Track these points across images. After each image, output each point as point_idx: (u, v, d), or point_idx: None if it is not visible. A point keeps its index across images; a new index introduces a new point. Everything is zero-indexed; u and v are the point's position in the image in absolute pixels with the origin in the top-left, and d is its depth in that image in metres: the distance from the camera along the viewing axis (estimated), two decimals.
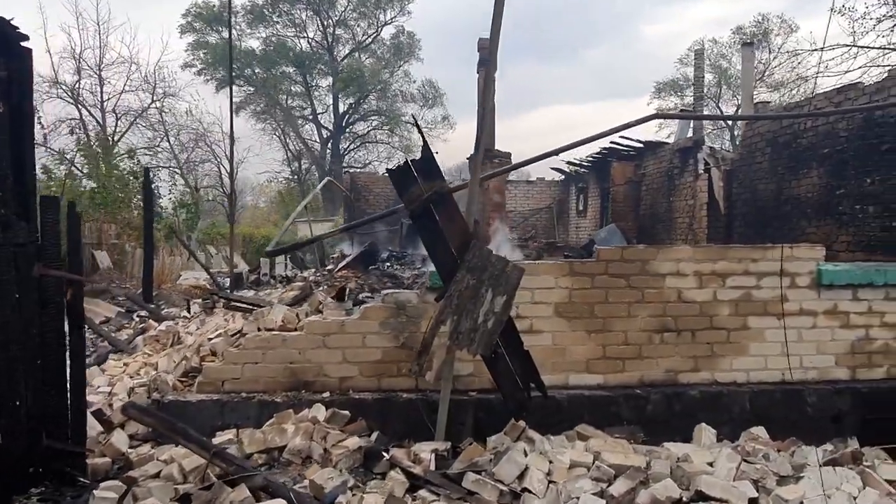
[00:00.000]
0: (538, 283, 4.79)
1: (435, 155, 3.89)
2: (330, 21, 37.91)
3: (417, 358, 3.91)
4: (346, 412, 4.46)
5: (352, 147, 41.87)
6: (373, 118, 40.78)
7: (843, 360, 5.00)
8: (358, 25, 39.11)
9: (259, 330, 4.82)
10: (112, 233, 13.70)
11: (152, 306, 9.98)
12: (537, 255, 12.89)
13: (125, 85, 25.78)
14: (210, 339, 5.05)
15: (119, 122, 26.29)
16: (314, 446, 4.07)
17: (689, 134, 12.83)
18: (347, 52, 39.58)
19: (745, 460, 4.14)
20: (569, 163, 18.04)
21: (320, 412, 4.41)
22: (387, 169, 4.00)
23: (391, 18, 38.45)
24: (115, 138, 25.68)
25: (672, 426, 4.74)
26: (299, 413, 4.43)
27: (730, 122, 21.84)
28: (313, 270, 12.86)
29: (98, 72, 26.03)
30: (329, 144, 39.37)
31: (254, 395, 4.56)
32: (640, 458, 4.05)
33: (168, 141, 30.16)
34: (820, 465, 4.12)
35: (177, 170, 31.24)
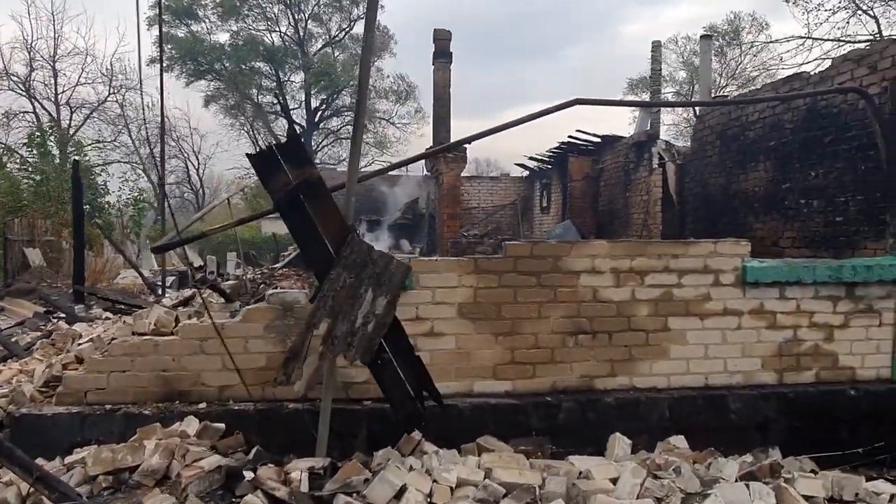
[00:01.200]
0: (440, 281, 4.39)
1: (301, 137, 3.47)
2: (302, 15, 37.22)
3: (284, 366, 3.49)
4: (222, 425, 4.02)
5: (325, 143, 41.27)
6: (346, 114, 40.15)
7: (769, 363, 4.67)
8: (331, 20, 38.48)
9: (134, 335, 4.36)
10: (45, 229, 13.05)
11: (77, 306, 9.42)
12: (493, 252, 12.53)
13: (80, 77, 24.95)
14: (79, 345, 4.57)
15: (74, 116, 25.43)
16: (175, 466, 3.63)
17: (648, 128, 12.56)
18: (320, 46, 38.91)
19: (656, 474, 3.78)
20: (531, 158, 17.68)
21: (191, 426, 3.97)
22: (246, 154, 3.56)
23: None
24: (71, 132, 24.85)
25: (585, 436, 4.38)
26: (169, 427, 3.98)
27: (693, 115, 21.63)
28: (263, 268, 12.39)
29: (52, 63, 25.20)
30: (301, 141, 38.67)
31: (120, 408, 4.10)
32: (537, 474, 3.67)
33: (129, 135, 29.33)
34: (735, 480, 3.78)
35: (139, 165, 30.42)
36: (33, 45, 24.58)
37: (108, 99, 25.92)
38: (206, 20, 35.36)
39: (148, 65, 35.66)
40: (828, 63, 7.16)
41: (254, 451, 3.98)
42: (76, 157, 11.88)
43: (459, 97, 14.45)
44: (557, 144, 14.91)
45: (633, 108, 17.83)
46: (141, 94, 14.29)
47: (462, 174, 14.91)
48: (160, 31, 23.29)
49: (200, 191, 42.48)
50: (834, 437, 4.59)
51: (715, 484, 3.65)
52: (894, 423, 4.62)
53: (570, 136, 13.91)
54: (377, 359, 3.82)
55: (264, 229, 28.06)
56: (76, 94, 25.65)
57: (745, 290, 4.62)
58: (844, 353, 4.73)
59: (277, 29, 37.47)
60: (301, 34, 37.40)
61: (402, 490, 3.40)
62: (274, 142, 3.39)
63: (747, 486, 3.61)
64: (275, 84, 37.57)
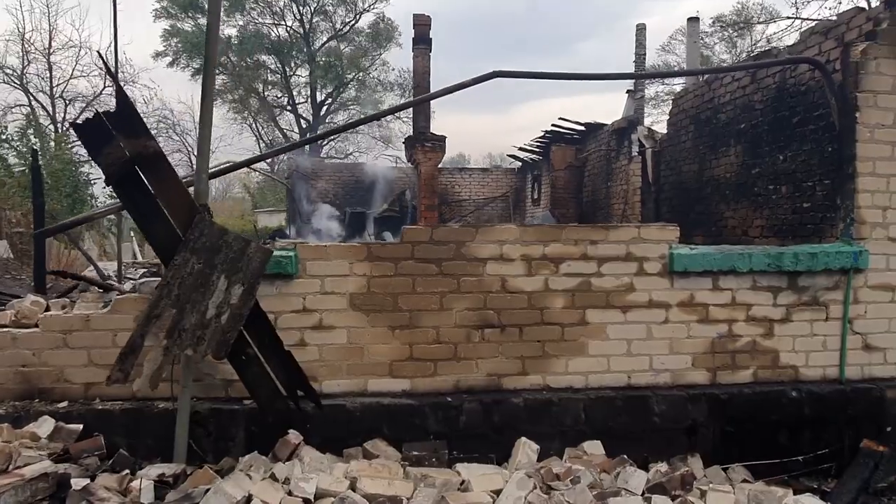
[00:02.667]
0: (329, 269, 3.99)
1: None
2: (308, 9, 36.93)
3: (120, 361, 3.12)
4: (78, 426, 3.66)
5: (331, 137, 41.04)
6: (352, 107, 39.84)
7: (700, 360, 4.21)
8: (336, 13, 38.16)
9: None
10: (15, 220, 12.84)
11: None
12: None
13: (74, 70, 24.85)
14: None
15: (68, 109, 25.35)
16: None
17: (632, 114, 12.05)
18: (325, 40, 38.64)
19: (551, 486, 3.36)
20: (521, 148, 17.18)
21: (43, 426, 3.61)
22: (71, 123, 3.19)
23: (370, 5, 37.44)
24: (66, 126, 24.76)
25: (491, 441, 3.97)
26: (21, 428, 3.63)
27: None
28: None
29: (47, 56, 25.12)
30: (308, 135, 38.46)
31: None
32: (409, 485, 3.26)
33: None
34: (642, 492, 3.35)
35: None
36: (28, 37, 24.48)
37: (104, 92, 25.73)
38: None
39: (155, 59, 35.67)
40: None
41: (116, 455, 3.63)
42: (34, 147, 11.68)
43: (473, 93, 14.06)
44: (542, 134, 14.41)
45: (579, 81, 17.16)
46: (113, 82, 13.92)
47: (457, 166, 14.52)
48: None
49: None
50: (772, 444, 4.14)
51: (613, 497, 3.22)
52: (840, 428, 4.16)
53: (553, 125, 13.42)
54: (240, 354, 3.44)
55: (262, 223, 27.87)
56: (71, 86, 25.52)
57: (674, 279, 4.17)
58: (786, 350, 4.26)
59: (283, 23, 37.25)
60: (306, 28, 37.13)
61: (249, 502, 3.02)
62: (103, 111, 2.99)
63: (648, 500, 3.18)
64: (280, 78, 37.41)
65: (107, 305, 4.06)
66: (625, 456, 3.74)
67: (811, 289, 4.26)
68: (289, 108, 38.31)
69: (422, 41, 13.71)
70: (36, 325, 3.95)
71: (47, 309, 4.14)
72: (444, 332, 4.07)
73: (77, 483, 3.08)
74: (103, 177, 3.04)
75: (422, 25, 13.72)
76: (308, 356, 3.97)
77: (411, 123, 14.88)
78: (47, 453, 3.39)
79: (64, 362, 3.87)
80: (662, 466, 3.67)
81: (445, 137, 13.46)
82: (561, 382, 4.13)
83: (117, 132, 3.04)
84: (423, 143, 13.00)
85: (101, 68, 26.11)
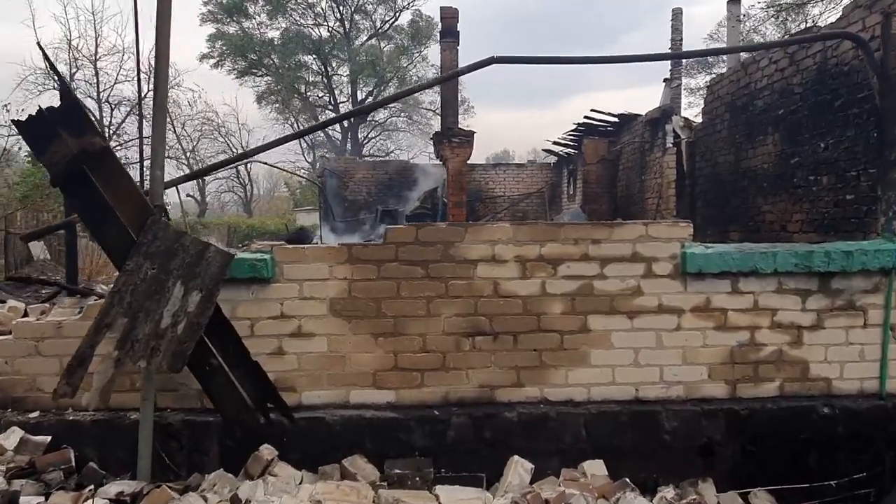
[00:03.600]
0: (308, 272, 3.73)
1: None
2: (348, 8, 37.11)
3: (68, 374, 2.93)
4: (45, 438, 3.51)
5: (373, 135, 41.24)
6: (392, 106, 39.85)
7: (718, 372, 3.79)
8: (376, 11, 38.22)
9: None
10: (49, 222, 13.13)
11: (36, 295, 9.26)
12: None
13: (118, 74, 25.46)
14: None
15: (114, 112, 26.02)
16: None
17: (668, 103, 11.45)
18: (365, 38, 38.76)
19: None
20: (555, 142, 16.68)
21: (10, 438, 3.47)
22: (12, 121, 3.01)
23: (409, 3, 37.36)
24: (112, 130, 25.43)
25: (482, 458, 3.65)
26: None
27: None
28: None
29: (94, 62, 25.81)
30: (349, 134, 38.71)
31: None
32: None
33: (174, 131, 29.83)
34: None
35: (184, 162, 30.98)
36: (75, 44, 25.23)
37: (148, 95, 26.31)
38: (256, 17, 35.80)
39: (200, 61, 36.42)
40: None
41: (84, 468, 3.47)
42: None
43: (520, 87, 13.66)
44: (575, 127, 13.91)
45: (585, 65, 16.50)
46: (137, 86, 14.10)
47: (493, 163, 14.16)
48: None
49: (249, 185, 43.20)
50: (800, 466, 3.68)
51: None
52: (880, 448, 3.67)
53: (586, 117, 12.92)
54: (203, 364, 3.21)
55: (300, 221, 28.04)
56: (117, 91, 26.20)
57: (687, 282, 3.75)
58: (817, 360, 3.79)
59: (325, 23, 37.53)
60: (346, 27, 37.33)
61: None
62: (46, 106, 2.80)
63: None
64: (322, 77, 37.73)
65: (82, 311, 3.91)
66: (627, 479, 3.37)
67: (846, 292, 3.78)
68: (330, 107, 38.61)
69: (449, 34, 13.39)
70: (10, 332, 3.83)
71: (25, 314, 4.02)
72: (431, 340, 3.76)
73: (27, 501, 2.91)
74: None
75: (449, 18, 13.40)
76: (287, 365, 3.73)
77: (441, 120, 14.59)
78: (8, 468, 3.24)
79: (36, 370, 3.73)
80: (669, 492, 3.28)
81: (474, 133, 13.13)
82: (560, 395, 3.78)
83: (62, 129, 2.85)
84: (451, 139, 12.69)
85: (145, 73, 26.74)
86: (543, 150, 18.30)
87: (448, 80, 3.88)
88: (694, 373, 3.78)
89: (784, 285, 3.76)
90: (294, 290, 3.74)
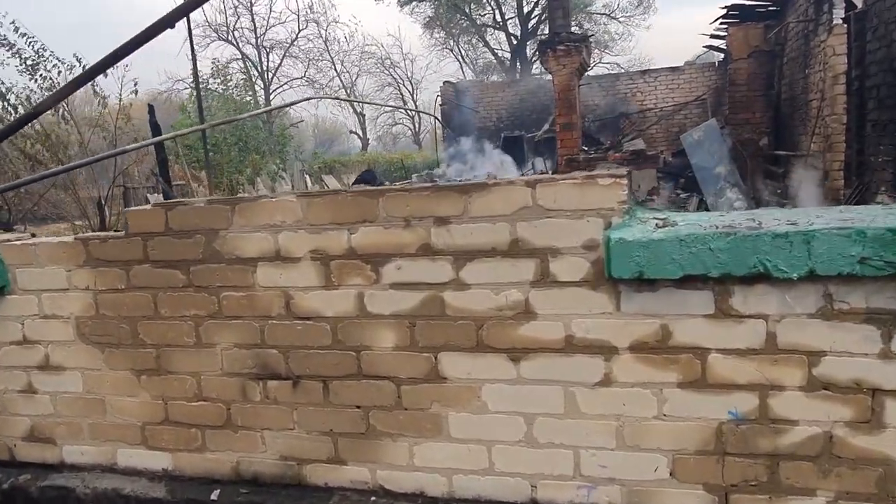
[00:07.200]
0: (44, 280, 2.55)
1: None
2: None
3: None
4: None
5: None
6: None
7: (690, 469, 1.93)
8: None
9: None
10: (181, 174, 13.60)
11: None
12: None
13: (269, 17, 26.07)
14: None
15: (270, 56, 26.89)
16: None
17: None
18: None
19: None
20: (712, 35, 13.33)
21: None
22: None
23: None
24: (270, 74, 26.40)
25: None
26: None
27: None
28: None
29: (250, 8, 26.67)
30: (515, 54, 36.61)
31: None
32: None
33: (334, 69, 30.31)
34: None
35: (346, 100, 31.44)
36: None
37: (300, 36, 26.74)
38: None
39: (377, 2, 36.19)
40: None
41: None
42: (150, 103, 12.01)
43: None
44: (725, 12, 10.74)
45: None
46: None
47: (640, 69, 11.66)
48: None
49: (417, 118, 43.16)
50: None
51: None
52: None
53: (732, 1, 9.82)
54: None
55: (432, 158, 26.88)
56: (272, 33, 26.93)
57: (621, 295, 1.90)
58: None
59: None
60: None
61: None
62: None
63: None
64: None
65: None
66: None
67: None
68: (498, 24, 36.55)
69: None
70: None
71: None
72: (208, 384, 2.40)
73: None
74: None
75: None
76: (40, 408, 2.65)
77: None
78: None
79: None
80: None
81: (586, 37, 10.76)
82: (403, 483, 2.22)
83: None
84: (556, 46, 10.47)
85: (293, 12, 27.08)
86: (704, 46, 14.92)
87: None
88: (642, 466, 1.97)
89: (838, 301, 1.74)
90: (32, 304, 2.59)
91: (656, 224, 1.88)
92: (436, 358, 2.11)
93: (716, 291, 1.82)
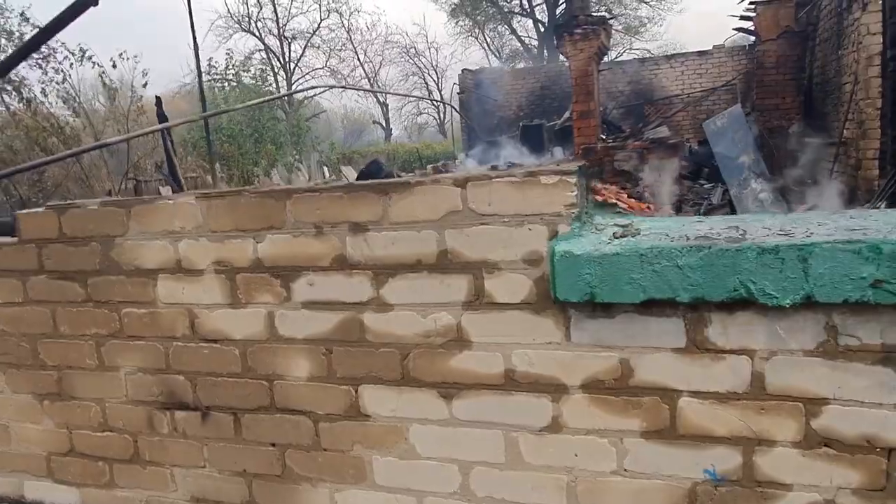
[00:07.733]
0: None
1: None
2: None
3: None
4: None
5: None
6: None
7: None
8: None
9: None
10: (193, 166, 13.53)
11: None
12: (614, 173, 9.15)
13: (291, 7, 25.87)
14: None
15: (292, 46, 26.71)
16: None
17: None
18: None
19: None
20: (741, 17, 12.63)
21: None
22: None
23: None
24: (292, 64, 26.23)
25: None
26: None
27: None
28: None
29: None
30: (543, 42, 35.91)
31: None
32: None
33: (357, 58, 30.05)
34: None
35: (369, 90, 31.16)
36: None
37: (322, 25, 26.51)
38: None
39: None
40: None
41: None
42: (157, 95, 11.83)
43: None
44: None
45: None
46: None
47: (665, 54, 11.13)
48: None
49: (441, 105, 42.70)
50: None
51: None
52: None
53: None
54: None
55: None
56: (294, 23, 26.76)
57: (570, 322, 1.53)
58: None
59: None
60: None
61: None
62: None
63: None
64: None
65: None
66: None
67: None
68: (525, 11, 35.87)
69: None
70: None
71: None
72: (113, 412, 2.10)
73: None
74: None
75: None
76: None
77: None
78: None
79: None
80: None
81: (605, 19, 10.24)
82: None
83: None
84: (572, 30, 9.98)
85: (315, 1, 26.84)
86: (734, 28, 14.20)
87: None
88: None
89: (844, 335, 1.34)
90: None
91: (614, 233, 1.50)
92: (356, 391, 1.77)
93: (687, 319, 1.44)
